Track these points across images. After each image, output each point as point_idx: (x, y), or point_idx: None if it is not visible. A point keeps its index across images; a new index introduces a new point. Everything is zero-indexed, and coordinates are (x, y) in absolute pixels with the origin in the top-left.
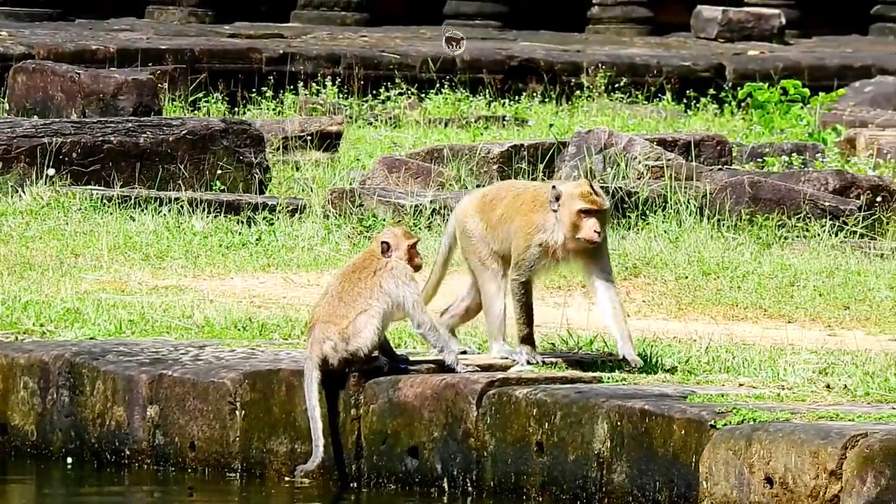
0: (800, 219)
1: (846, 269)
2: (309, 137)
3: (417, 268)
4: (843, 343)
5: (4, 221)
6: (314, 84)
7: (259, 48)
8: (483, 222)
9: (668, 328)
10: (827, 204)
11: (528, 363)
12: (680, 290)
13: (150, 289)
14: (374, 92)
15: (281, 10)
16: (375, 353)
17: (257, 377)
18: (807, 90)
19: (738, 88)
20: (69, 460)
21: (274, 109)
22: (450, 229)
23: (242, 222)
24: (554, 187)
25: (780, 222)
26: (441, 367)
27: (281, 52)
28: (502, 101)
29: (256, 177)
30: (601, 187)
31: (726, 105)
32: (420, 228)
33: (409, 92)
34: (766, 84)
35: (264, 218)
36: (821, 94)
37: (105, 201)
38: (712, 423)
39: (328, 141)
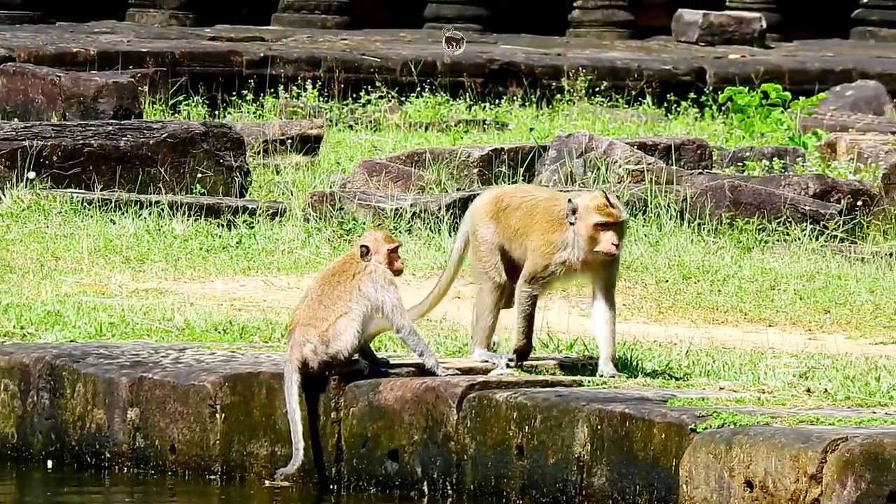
0: (780, 223)
1: (827, 273)
2: (289, 141)
3: (398, 272)
4: (823, 347)
5: None
6: (294, 87)
7: (240, 51)
8: (497, 229)
9: (648, 332)
10: (807, 208)
11: (508, 366)
12: (660, 294)
13: (131, 292)
14: (355, 95)
15: (262, 13)
16: (356, 357)
17: (237, 380)
18: (787, 94)
19: (719, 92)
20: (49, 463)
21: (254, 113)
22: (463, 229)
23: (223, 225)
24: (570, 200)
25: (760, 226)
26: (421, 370)
27: (261, 55)
28: (483, 105)
29: (237, 180)
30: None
31: (707, 109)
32: (400, 232)
33: (390, 95)
34: (747, 88)
35: (244, 221)
36: (801, 98)
37: (85, 204)
38: (692, 426)
39: (308, 144)
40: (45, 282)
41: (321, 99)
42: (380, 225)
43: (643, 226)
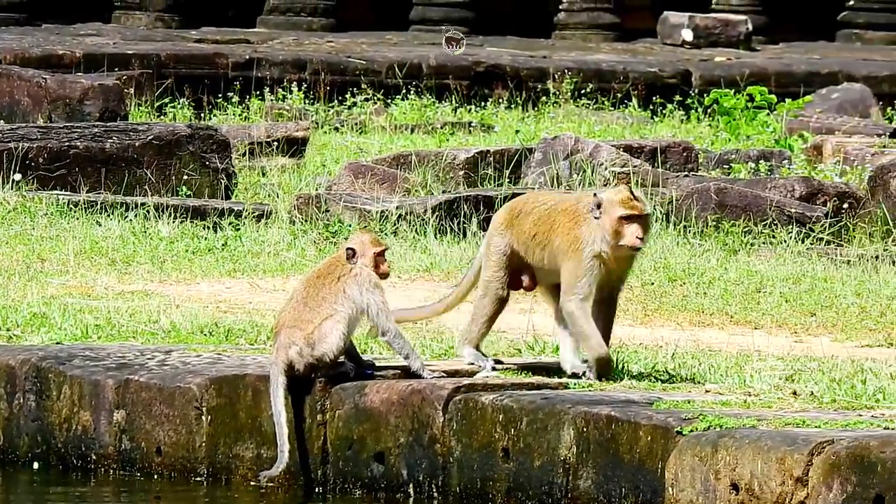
0: (766, 225)
1: (812, 275)
2: (275, 143)
3: (384, 275)
4: (809, 349)
5: None
6: (280, 89)
7: (225, 53)
8: (511, 238)
9: (634, 334)
10: (793, 211)
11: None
12: (646, 297)
13: (117, 294)
14: (341, 97)
15: (247, 16)
16: (341, 359)
17: (223, 382)
18: (773, 97)
19: (705, 95)
20: (35, 465)
21: (240, 115)
22: (483, 246)
23: (208, 227)
24: (595, 195)
25: (746, 229)
26: (407, 373)
27: (247, 57)
28: (468, 107)
29: (222, 182)
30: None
31: (693, 111)
32: (386, 234)
33: (376, 98)
34: (733, 90)
35: (230, 223)
36: (787, 100)
37: (71, 206)
38: (678, 429)
39: (294, 146)
40: (31, 284)
41: (307, 101)
42: (365, 227)
43: None
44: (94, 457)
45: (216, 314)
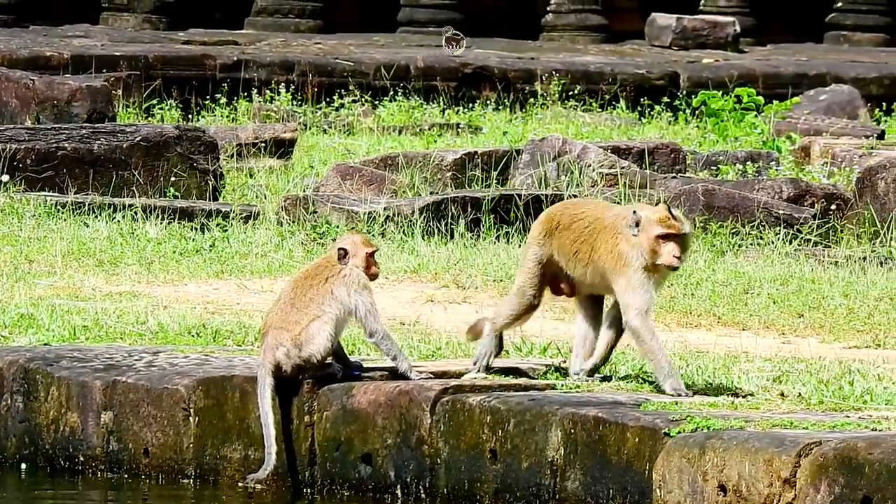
0: (754, 227)
1: (800, 276)
2: (263, 144)
3: (374, 277)
4: (797, 351)
5: None
6: (268, 91)
7: (213, 55)
8: (551, 249)
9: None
10: (781, 212)
11: (679, 394)
12: None
13: (104, 295)
14: (328, 99)
15: (235, 17)
16: (329, 360)
17: (211, 383)
18: (761, 98)
19: (693, 96)
20: (23, 466)
21: (228, 116)
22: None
23: (196, 229)
24: (634, 212)
25: (733, 230)
26: (395, 374)
27: (235, 58)
28: (456, 109)
29: (210, 183)
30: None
31: (680, 113)
32: (373, 235)
33: (363, 99)
34: (721, 92)
35: (218, 224)
36: (775, 102)
37: (59, 207)
38: (666, 430)
39: (282, 148)
40: (19, 285)
41: (295, 103)
42: (353, 228)
43: None
44: (81, 458)
45: (204, 315)
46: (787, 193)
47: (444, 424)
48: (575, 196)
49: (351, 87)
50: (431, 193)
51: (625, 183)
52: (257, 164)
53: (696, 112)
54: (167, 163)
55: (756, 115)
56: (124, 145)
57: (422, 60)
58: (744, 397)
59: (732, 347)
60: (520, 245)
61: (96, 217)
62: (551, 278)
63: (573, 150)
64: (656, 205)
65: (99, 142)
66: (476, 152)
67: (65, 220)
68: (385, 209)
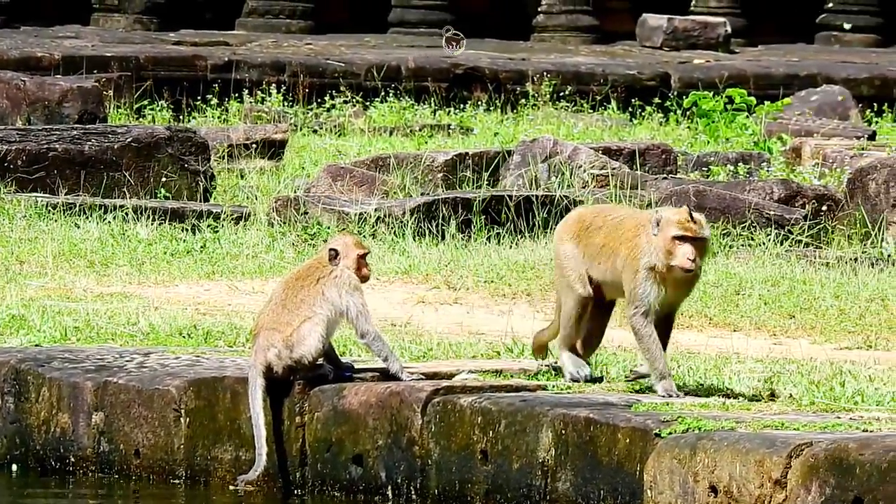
0: (745, 228)
1: (791, 277)
2: (254, 145)
3: (365, 279)
4: (788, 352)
5: None
6: (259, 92)
7: (204, 56)
8: (580, 248)
9: (613, 336)
10: (772, 213)
11: (670, 395)
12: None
13: (95, 296)
14: (319, 100)
15: (226, 18)
16: (320, 361)
17: (202, 384)
18: (752, 99)
19: (684, 97)
20: (14, 467)
21: (219, 117)
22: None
23: (187, 230)
24: (657, 212)
25: (725, 231)
26: (386, 375)
27: (226, 59)
28: (447, 110)
29: (201, 184)
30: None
31: (671, 114)
32: (364, 236)
33: (354, 100)
34: (712, 93)
35: (209, 225)
36: (766, 103)
37: (50, 208)
38: (657, 431)
39: (273, 149)
40: (10, 286)
41: (286, 103)
42: (344, 229)
43: None
44: (72, 459)
45: (195, 316)
46: (778, 194)
47: (435, 425)
48: (565, 197)
49: (342, 88)
50: (422, 194)
51: (616, 184)
52: (248, 165)
53: (688, 113)
54: (158, 164)
55: (747, 116)
56: (115, 146)
57: (413, 61)
58: (735, 398)
59: (724, 348)
60: (511, 246)
61: (87, 218)
62: None
63: (564, 151)
64: (680, 207)
65: (90, 143)
66: (467, 153)
67: (56, 221)
68: (376, 210)
